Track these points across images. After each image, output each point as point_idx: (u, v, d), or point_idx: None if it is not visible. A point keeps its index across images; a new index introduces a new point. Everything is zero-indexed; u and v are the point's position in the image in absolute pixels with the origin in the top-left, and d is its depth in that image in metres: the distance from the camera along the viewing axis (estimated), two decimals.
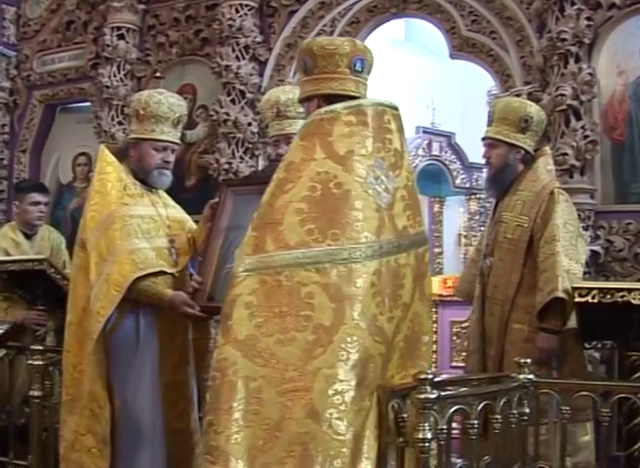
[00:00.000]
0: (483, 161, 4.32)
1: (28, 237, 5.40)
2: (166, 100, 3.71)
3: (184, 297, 3.44)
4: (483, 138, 4.19)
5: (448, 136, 12.49)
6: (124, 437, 3.56)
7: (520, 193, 4.05)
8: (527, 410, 3.17)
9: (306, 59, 2.76)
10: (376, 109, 2.66)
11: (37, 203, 5.39)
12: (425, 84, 13.66)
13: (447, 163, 12.11)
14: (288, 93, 3.84)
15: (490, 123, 4.15)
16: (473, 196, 11.17)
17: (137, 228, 3.56)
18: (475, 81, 10.51)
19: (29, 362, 4.39)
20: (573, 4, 4.92)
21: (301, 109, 3.34)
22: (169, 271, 3.54)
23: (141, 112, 3.68)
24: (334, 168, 2.50)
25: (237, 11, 5.98)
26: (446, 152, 12.27)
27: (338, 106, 2.61)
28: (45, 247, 5.43)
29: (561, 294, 3.74)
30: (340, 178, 2.49)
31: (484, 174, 5.47)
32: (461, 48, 5.60)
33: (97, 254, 3.54)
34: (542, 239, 3.90)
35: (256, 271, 2.44)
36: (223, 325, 2.43)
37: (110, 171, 3.66)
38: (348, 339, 2.39)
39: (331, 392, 2.35)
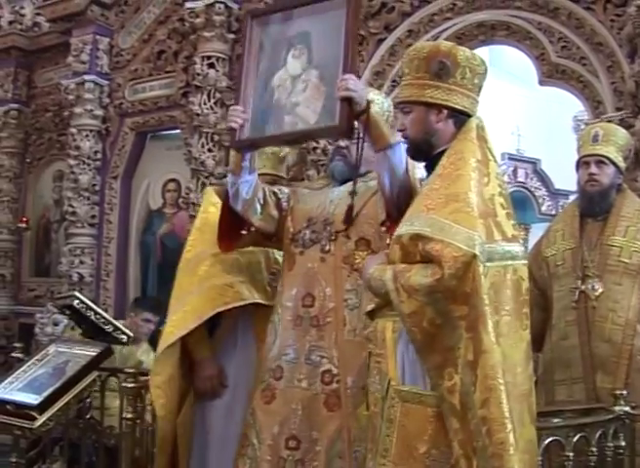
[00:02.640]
0: (573, 184, 4.24)
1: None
2: None
3: (213, 374, 3.65)
4: (590, 155, 4.10)
5: (533, 163, 12.37)
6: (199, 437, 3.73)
7: (626, 218, 4.00)
8: (623, 443, 3.11)
9: (446, 64, 2.61)
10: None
11: (148, 321, 5.90)
12: (510, 110, 13.57)
13: (532, 190, 11.99)
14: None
15: (595, 142, 4.09)
16: None
17: (232, 263, 3.68)
18: (560, 106, 10.41)
19: (122, 384, 4.48)
20: None
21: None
22: (261, 302, 3.64)
23: None
24: (495, 169, 2.59)
25: None
26: (531, 179, 12.15)
27: (481, 119, 2.68)
28: (134, 359, 5.82)
29: None
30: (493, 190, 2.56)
31: (570, 199, 5.34)
32: (551, 74, 5.54)
33: (178, 287, 3.79)
34: None
35: (496, 262, 2.38)
36: (478, 319, 2.30)
37: (213, 211, 3.77)
38: None
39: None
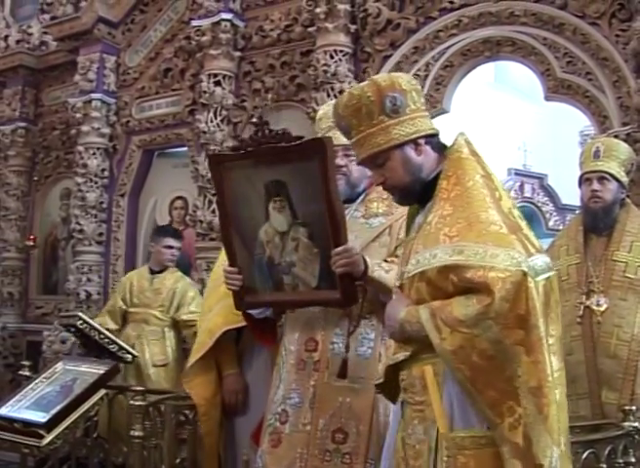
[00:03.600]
0: (581, 198, 4.23)
1: (154, 273, 6.11)
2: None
3: (236, 389, 3.85)
4: (592, 172, 4.10)
5: (540, 178, 12.39)
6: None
7: (631, 233, 4.00)
8: (632, 460, 3.10)
9: (397, 97, 2.46)
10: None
11: (170, 247, 6.05)
12: (517, 126, 13.61)
13: (539, 205, 12.00)
14: None
15: (596, 158, 4.10)
16: None
17: None
18: (567, 122, 10.42)
19: (130, 402, 4.48)
20: None
21: None
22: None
23: None
24: (505, 192, 2.49)
25: (332, 56, 6.06)
26: (538, 194, 12.17)
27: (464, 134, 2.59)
28: (165, 286, 6.03)
29: None
30: (508, 204, 2.45)
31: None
32: (557, 90, 5.54)
33: (205, 305, 4.06)
34: None
35: (540, 275, 2.23)
36: (540, 340, 2.17)
37: None
38: None
39: None
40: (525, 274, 2.15)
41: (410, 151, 2.48)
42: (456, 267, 2.21)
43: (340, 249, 2.85)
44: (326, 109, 3.50)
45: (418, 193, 2.52)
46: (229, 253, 3.17)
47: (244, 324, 3.68)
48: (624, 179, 4.07)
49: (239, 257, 3.13)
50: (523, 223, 2.36)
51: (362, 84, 2.53)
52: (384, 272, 2.99)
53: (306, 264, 3.00)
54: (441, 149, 2.53)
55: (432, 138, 2.52)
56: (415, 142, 2.48)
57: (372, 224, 3.25)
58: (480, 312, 2.14)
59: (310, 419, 3.07)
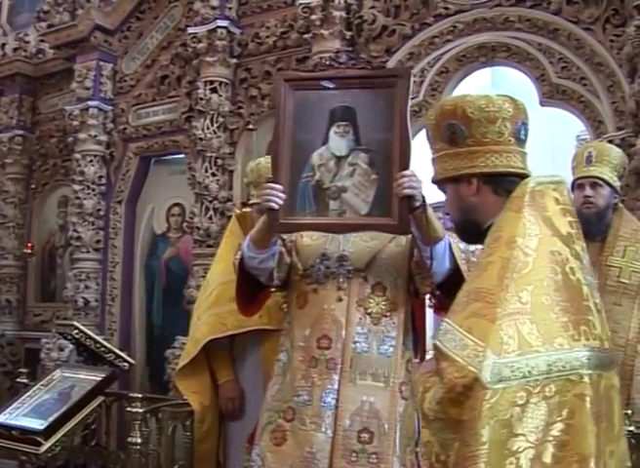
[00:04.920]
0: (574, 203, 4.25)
1: None
2: (256, 166, 4.02)
3: (232, 396, 3.92)
4: (584, 177, 4.10)
5: None
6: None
7: (624, 238, 4.01)
8: (629, 464, 3.09)
9: (455, 125, 2.17)
10: (566, 188, 2.20)
11: None
12: None
13: None
14: None
15: (589, 163, 4.10)
16: None
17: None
18: (563, 126, 10.43)
19: (128, 409, 4.50)
20: None
21: None
22: (266, 327, 3.76)
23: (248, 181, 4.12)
24: (563, 249, 2.03)
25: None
26: None
27: (542, 180, 2.14)
28: None
29: None
30: (571, 263, 2.02)
31: None
32: (551, 95, 5.55)
33: (194, 312, 4.14)
34: None
35: (515, 381, 1.82)
36: (463, 445, 1.83)
37: (228, 241, 4.01)
38: None
39: None
40: (476, 378, 1.80)
41: (462, 189, 2.23)
42: (437, 348, 1.94)
43: (408, 172, 2.80)
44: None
45: (473, 234, 2.28)
46: (276, 170, 3.01)
47: (230, 333, 3.73)
48: (617, 184, 4.07)
49: (287, 182, 2.99)
50: (586, 303, 1.99)
51: (436, 106, 2.31)
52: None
53: (360, 190, 2.93)
54: (509, 194, 2.15)
55: (497, 179, 2.19)
56: (468, 181, 2.20)
57: None
58: (435, 410, 1.88)
59: (333, 419, 3.02)
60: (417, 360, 3.30)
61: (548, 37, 5.49)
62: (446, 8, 5.89)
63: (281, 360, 3.25)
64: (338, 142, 2.97)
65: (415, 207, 2.83)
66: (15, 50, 9.16)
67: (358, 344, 3.08)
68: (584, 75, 5.36)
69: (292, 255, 3.28)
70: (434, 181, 2.32)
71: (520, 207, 2.05)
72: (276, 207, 2.94)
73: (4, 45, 9.34)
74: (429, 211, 2.89)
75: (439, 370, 1.88)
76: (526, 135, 2.25)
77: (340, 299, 3.12)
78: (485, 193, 2.19)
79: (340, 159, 2.97)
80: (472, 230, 2.26)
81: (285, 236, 3.25)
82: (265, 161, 4.05)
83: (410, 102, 2.91)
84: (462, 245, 3.14)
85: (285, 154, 3.00)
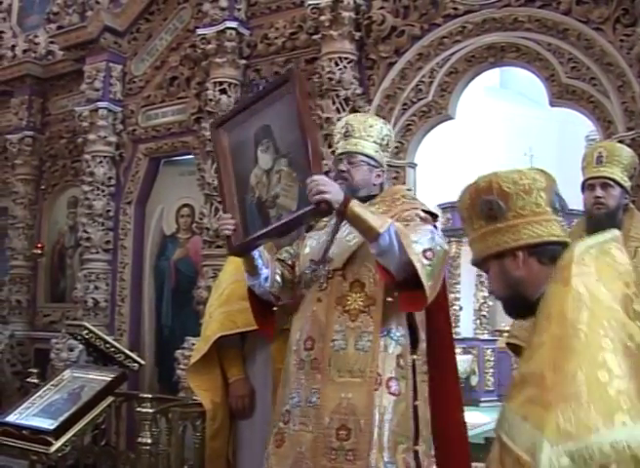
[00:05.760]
0: (584, 204, 4.20)
1: None
2: None
3: (243, 394, 3.93)
4: (595, 177, 4.06)
5: None
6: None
7: (635, 238, 3.97)
8: None
9: (493, 201, 2.15)
10: (616, 245, 2.11)
11: None
12: (523, 131, 13.61)
13: None
14: (358, 116, 3.86)
15: (599, 163, 4.07)
16: None
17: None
18: (573, 127, 10.42)
19: (138, 409, 4.50)
20: None
21: (371, 133, 3.45)
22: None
23: None
24: (619, 314, 1.90)
25: (336, 64, 6.07)
26: None
27: (590, 242, 2.06)
28: None
29: None
30: (629, 328, 1.89)
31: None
32: (561, 95, 5.54)
33: (206, 311, 4.17)
34: None
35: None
36: None
37: None
38: None
39: None
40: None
41: (507, 264, 2.17)
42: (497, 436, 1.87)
43: (315, 177, 2.91)
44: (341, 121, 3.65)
45: (523, 308, 2.20)
46: (224, 202, 3.34)
47: (239, 330, 3.75)
48: (628, 185, 4.04)
49: (235, 209, 3.29)
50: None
51: (468, 186, 2.25)
52: (370, 212, 3.04)
53: (288, 191, 3.13)
54: (555, 263, 2.08)
55: (541, 248, 2.14)
56: (513, 254, 2.15)
57: None
58: None
59: (315, 417, 3.08)
60: (415, 356, 3.28)
61: (558, 37, 5.49)
62: (455, 8, 5.89)
63: (284, 365, 3.37)
64: (263, 158, 3.22)
65: (337, 209, 2.95)
66: (24, 51, 9.20)
67: (336, 342, 3.15)
68: (594, 75, 5.35)
69: (294, 269, 3.46)
70: (476, 262, 2.27)
71: (567, 279, 1.95)
72: (229, 233, 3.21)
73: (14, 46, 9.38)
74: (357, 209, 2.98)
75: (501, 461, 1.82)
76: (560, 204, 2.20)
77: (320, 300, 3.23)
78: (531, 265, 2.15)
79: (268, 172, 3.20)
80: (522, 304, 2.19)
81: (285, 254, 3.50)
82: None
83: (308, 98, 3.17)
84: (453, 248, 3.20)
85: (229, 187, 3.30)
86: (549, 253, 2.13)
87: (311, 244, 3.45)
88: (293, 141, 3.07)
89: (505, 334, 13.48)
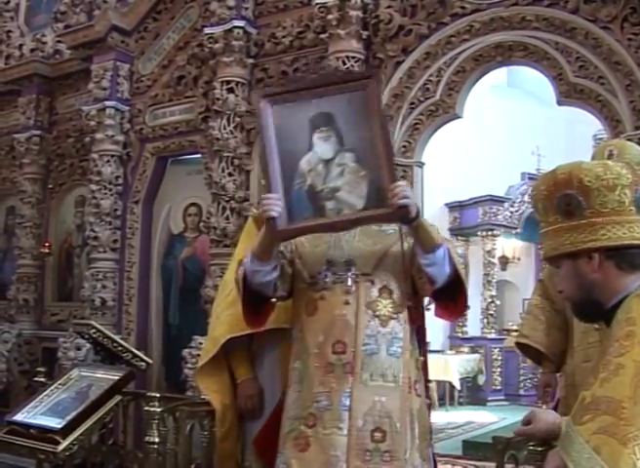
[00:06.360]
0: None
1: None
2: None
3: (251, 394, 3.87)
4: None
5: None
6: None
7: None
8: None
9: (572, 196, 2.01)
10: None
11: None
12: (530, 130, 13.60)
13: None
14: None
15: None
16: None
17: None
18: (581, 126, 10.39)
19: (146, 408, 4.50)
20: None
21: None
22: (284, 326, 3.77)
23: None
24: None
25: (344, 63, 6.06)
26: None
27: None
28: None
29: None
30: None
31: None
32: (569, 94, 5.54)
33: (213, 312, 4.14)
34: None
35: None
36: None
37: (245, 242, 3.99)
38: None
39: None
40: None
41: (581, 265, 2.03)
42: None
43: (401, 182, 3.00)
44: None
45: (594, 313, 2.09)
46: (269, 181, 3.14)
47: (248, 331, 3.73)
48: None
49: (280, 191, 3.10)
50: None
51: (546, 175, 2.13)
52: (430, 225, 3.12)
53: (353, 187, 3.04)
54: (636, 269, 1.98)
55: (620, 252, 2.00)
56: (589, 256, 2.01)
57: (386, 231, 3.34)
58: None
59: (348, 421, 3.08)
60: (421, 358, 3.38)
61: (566, 36, 5.48)
62: (462, 7, 5.89)
63: (297, 368, 3.28)
64: (322, 147, 3.10)
65: (411, 218, 2.96)
66: (32, 50, 9.22)
67: (368, 346, 3.14)
68: (602, 74, 5.34)
69: (294, 265, 3.34)
70: (547, 258, 2.15)
71: None
72: (276, 214, 3.03)
73: (21, 46, 9.40)
74: (422, 220, 3.04)
75: None
76: (637, 199, 2.04)
77: (348, 303, 3.19)
78: (607, 269, 2.00)
79: (327, 162, 3.09)
80: (593, 310, 2.07)
81: (282, 247, 3.31)
82: None
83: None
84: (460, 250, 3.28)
85: (275, 166, 3.11)
86: (630, 258, 1.99)
87: (313, 243, 3.36)
88: (361, 138, 3.05)
89: (513, 334, 13.50)
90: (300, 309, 3.32)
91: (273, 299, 3.39)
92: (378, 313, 3.18)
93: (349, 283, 3.21)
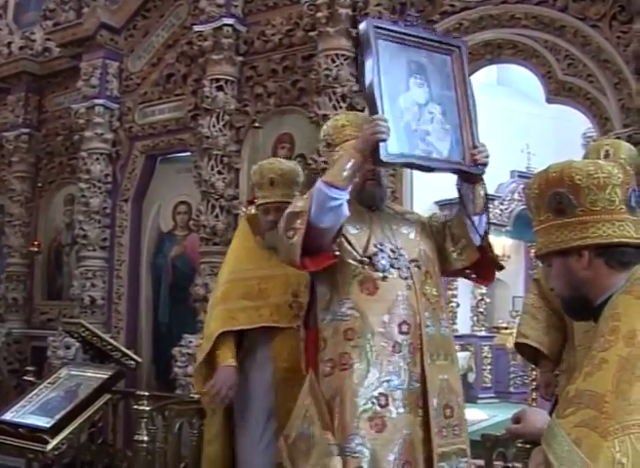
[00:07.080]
0: None
1: None
2: (259, 168, 4.07)
3: (230, 381, 3.82)
4: None
5: None
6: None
7: None
8: None
9: (563, 194, 2.01)
10: None
11: None
12: (520, 128, 13.61)
13: None
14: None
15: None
16: None
17: (248, 289, 3.92)
18: (570, 124, 10.42)
19: (135, 407, 4.50)
20: None
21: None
22: (276, 325, 3.80)
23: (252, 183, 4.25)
24: None
25: (333, 61, 6.06)
26: None
27: None
28: None
29: None
30: None
31: None
32: (558, 92, 5.54)
33: (208, 308, 4.16)
34: None
35: None
36: None
37: (237, 241, 4.16)
38: None
39: None
40: None
41: (571, 262, 2.04)
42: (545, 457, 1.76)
43: (483, 145, 3.35)
44: (346, 117, 3.61)
45: (584, 311, 2.10)
46: (377, 103, 3.17)
47: (241, 327, 3.74)
48: None
49: (387, 118, 3.17)
50: None
51: (538, 172, 2.13)
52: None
53: (439, 136, 3.32)
54: (625, 267, 1.99)
55: (609, 250, 2.01)
56: (579, 253, 2.02)
57: (410, 219, 3.55)
58: None
59: (422, 401, 3.20)
60: None
61: (555, 34, 5.48)
62: (452, 5, 5.89)
63: (360, 345, 3.20)
64: (417, 92, 3.32)
65: (480, 177, 3.34)
66: (21, 48, 9.18)
67: (428, 328, 3.28)
68: (591, 72, 5.34)
69: (339, 239, 3.27)
70: (539, 255, 2.17)
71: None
72: (387, 137, 3.10)
73: (10, 43, 9.36)
74: (484, 186, 3.39)
75: None
76: (637, 202, 2.05)
77: (410, 287, 3.29)
78: (597, 267, 2.01)
79: (421, 106, 3.31)
80: (583, 307, 2.08)
81: None
82: (268, 163, 4.19)
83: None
84: None
85: (381, 93, 3.19)
86: (619, 255, 2.00)
87: (354, 225, 3.32)
88: (446, 97, 3.36)
89: (503, 331, 13.53)
90: (351, 287, 3.26)
91: (333, 252, 3.23)
92: (428, 296, 3.34)
93: (404, 270, 3.32)
